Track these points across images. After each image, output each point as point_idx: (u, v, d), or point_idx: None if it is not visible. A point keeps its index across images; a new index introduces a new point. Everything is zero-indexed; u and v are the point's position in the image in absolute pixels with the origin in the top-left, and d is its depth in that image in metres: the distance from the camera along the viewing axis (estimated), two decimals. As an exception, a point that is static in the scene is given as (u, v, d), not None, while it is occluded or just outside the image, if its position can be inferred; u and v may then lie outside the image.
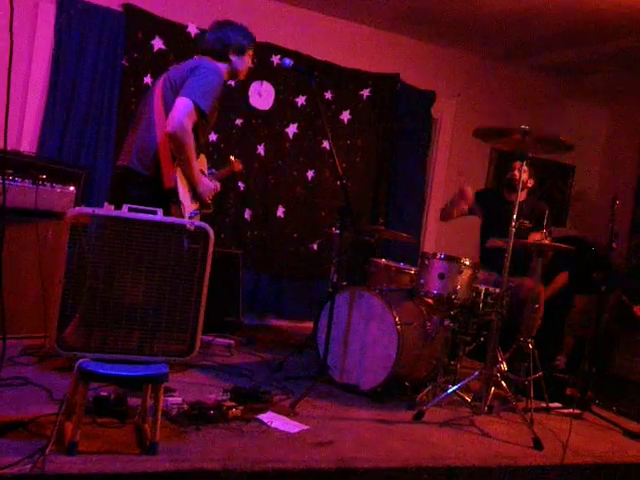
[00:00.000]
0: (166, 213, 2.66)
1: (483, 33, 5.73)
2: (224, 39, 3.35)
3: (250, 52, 3.45)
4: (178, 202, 3.13)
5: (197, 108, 3.08)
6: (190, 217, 3.24)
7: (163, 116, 3.13)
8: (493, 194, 4.85)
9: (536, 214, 4.32)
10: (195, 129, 3.16)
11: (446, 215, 4.77)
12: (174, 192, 3.12)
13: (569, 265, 4.99)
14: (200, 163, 3.43)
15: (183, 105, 3.05)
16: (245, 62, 3.43)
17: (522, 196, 4.39)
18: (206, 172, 3.56)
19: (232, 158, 4.26)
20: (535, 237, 4.22)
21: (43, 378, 3.20)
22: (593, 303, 5.33)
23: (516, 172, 4.57)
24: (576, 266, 5.19)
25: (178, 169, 3.15)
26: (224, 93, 5.21)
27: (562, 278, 5.16)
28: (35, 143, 4.81)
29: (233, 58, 3.37)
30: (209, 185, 3.36)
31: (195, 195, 3.31)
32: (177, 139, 3.04)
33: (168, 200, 3.10)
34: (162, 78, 3.30)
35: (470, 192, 4.56)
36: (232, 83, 5.32)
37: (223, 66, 3.35)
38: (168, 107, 3.11)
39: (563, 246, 4.04)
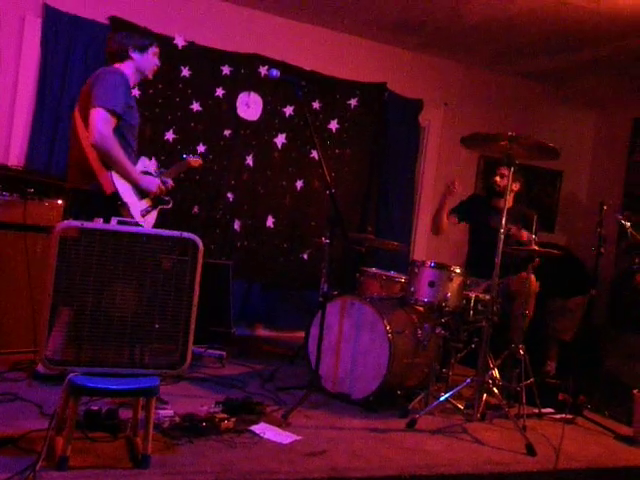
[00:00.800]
0: (116, 216, 2.72)
1: (468, 41, 5.77)
2: (122, 41, 3.53)
3: (154, 50, 3.61)
4: (123, 203, 3.27)
5: (109, 112, 3.25)
6: (142, 215, 3.41)
7: (84, 129, 3.30)
8: (480, 201, 4.87)
9: (525, 221, 4.33)
10: (121, 132, 3.34)
11: (437, 222, 4.75)
12: (116, 195, 3.27)
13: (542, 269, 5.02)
14: (148, 166, 3.59)
15: (96, 115, 3.24)
16: (149, 59, 3.58)
17: (509, 202, 4.41)
18: (152, 171, 3.65)
19: (187, 157, 4.29)
20: (524, 234, 4.25)
21: (33, 393, 3.18)
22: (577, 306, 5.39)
23: (497, 178, 4.60)
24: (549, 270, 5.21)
25: (114, 173, 3.28)
26: (213, 102, 5.28)
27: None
28: (23, 157, 4.79)
29: (135, 56, 3.52)
30: (152, 181, 3.49)
31: (142, 193, 3.45)
32: (101, 147, 3.24)
33: (114, 205, 3.25)
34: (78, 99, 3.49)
35: (458, 183, 4.52)
36: (220, 94, 5.34)
37: (127, 65, 3.51)
38: (86, 120, 3.30)
39: (553, 252, 4.07)
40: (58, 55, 4.83)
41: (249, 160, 5.51)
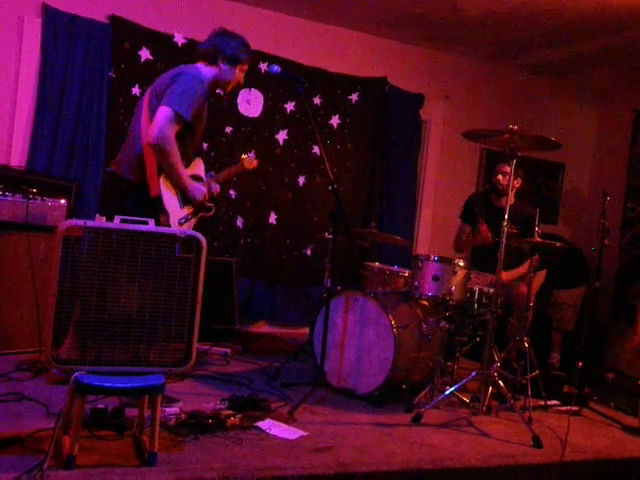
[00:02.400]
0: (154, 221, 2.67)
1: (469, 35, 5.75)
2: (219, 44, 3.35)
3: (244, 67, 3.43)
4: (164, 211, 3.15)
5: (178, 116, 3.09)
6: (180, 223, 3.27)
7: (148, 126, 3.14)
8: (483, 199, 4.82)
9: (526, 220, 4.29)
10: (182, 136, 3.18)
11: (461, 246, 4.87)
12: (159, 200, 3.15)
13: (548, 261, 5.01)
14: (196, 168, 3.46)
15: (163, 114, 3.07)
16: (235, 74, 3.40)
17: (510, 199, 4.39)
18: (203, 176, 3.54)
19: (243, 156, 4.15)
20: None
21: (39, 393, 3.18)
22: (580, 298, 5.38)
23: (499, 177, 4.58)
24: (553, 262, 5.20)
25: (163, 178, 3.17)
26: (214, 100, 5.28)
27: (541, 276, 5.19)
28: (25, 157, 4.79)
29: (223, 66, 3.35)
30: (199, 189, 3.36)
31: (186, 200, 3.32)
32: (159, 148, 3.07)
33: (155, 208, 3.13)
34: (150, 89, 3.32)
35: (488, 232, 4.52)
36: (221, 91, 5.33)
37: (211, 71, 3.35)
38: (153, 115, 3.14)
39: (556, 244, 4.06)
40: (58, 55, 4.82)
41: (251, 157, 5.49)
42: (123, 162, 3.26)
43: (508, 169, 4.16)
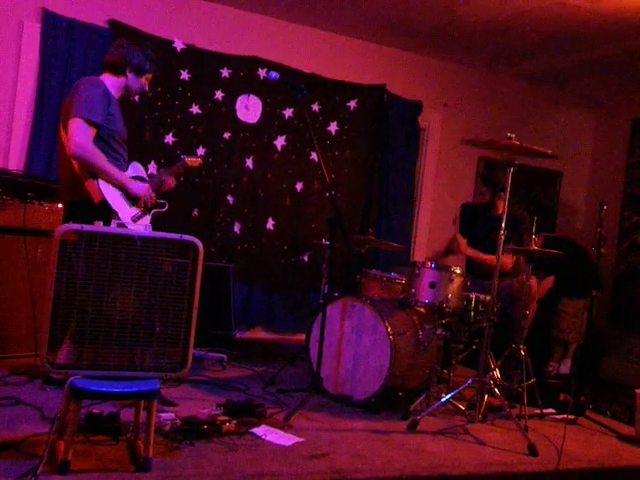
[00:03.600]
0: (106, 224, 2.71)
1: (467, 42, 5.77)
2: (127, 55, 3.51)
3: (149, 76, 3.61)
4: (113, 212, 3.28)
5: (88, 121, 3.25)
6: (133, 220, 3.39)
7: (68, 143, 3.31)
8: (471, 210, 4.80)
9: (514, 224, 4.28)
10: (104, 140, 3.34)
11: (439, 257, 4.88)
12: (105, 203, 3.28)
13: (556, 268, 5.00)
14: (136, 170, 3.58)
15: (74, 126, 3.25)
16: (140, 84, 3.59)
17: (500, 208, 4.40)
18: (145, 176, 3.64)
19: (185, 157, 4.24)
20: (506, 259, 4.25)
21: (34, 397, 3.17)
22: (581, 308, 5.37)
23: (480, 196, 4.64)
24: (563, 269, 5.21)
25: (102, 182, 3.29)
26: (212, 105, 5.27)
27: (548, 282, 5.19)
28: (23, 161, 4.79)
29: (130, 76, 3.53)
30: (140, 185, 3.46)
31: (133, 199, 3.44)
32: (80, 158, 3.25)
33: (104, 213, 3.22)
34: (60, 118, 3.50)
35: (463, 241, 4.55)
36: (219, 97, 5.34)
37: (118, 81, 3.51)
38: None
39: (552, 251, 4.06)
40: (57, 59, 4.83)
41: (249, 163, 5.51)
42: (65, 186, 3.44)
43: (484, 189, 4.52)
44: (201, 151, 5.30)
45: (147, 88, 3.68)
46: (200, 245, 2.60)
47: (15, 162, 4.78)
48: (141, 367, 2.55)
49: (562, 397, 4.33)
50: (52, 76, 4.82)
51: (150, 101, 5.10)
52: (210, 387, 3.85)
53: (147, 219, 3.54)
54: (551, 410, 4.11)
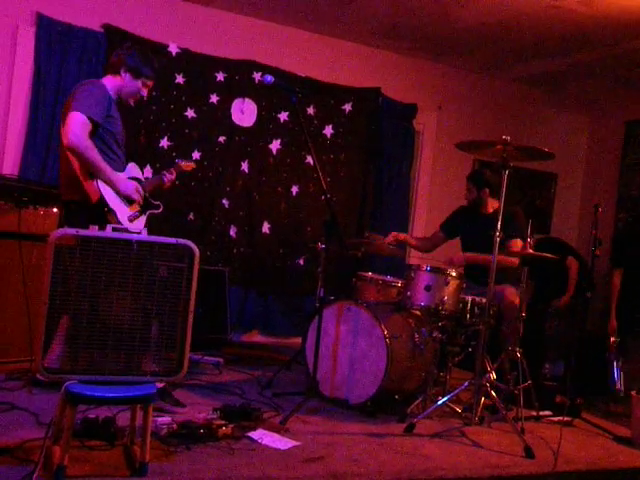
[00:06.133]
0: (104, 223, 2.72)
1: (461, 46, 5.79)
2: (123, 56, 3.52)
3: (147, 82, 3.58)
4: (110, 210, 3.28)
5: (86, 116, 3.26)
6: (130, 220, 3.41)
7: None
8: (466, 211, 4.80)
9: (506, 220, 4.28)
10: (100, 138, 3.35)
11: (418, 249, 5.07)
12: (103, 201, 3.28)
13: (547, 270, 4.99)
14: (132, 171, 3.59)
15: (71, 118, 3.26)
16: (136, 86, 3.55)
17: (495, 204, 4.42)
18: (141, 177, 3.64)
19: (179, 161, 4.24)
20: (517, 244, 4.22)
21: (30, 402, 3.16)
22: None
23: (466, 192, 4.65)
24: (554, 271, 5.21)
25: (100, 182, 3.29)
26: (207, 109, 5.26)
27: (574, 264, 5.20)
28: (17, 165, 4.78)
29: (125, 76, 3.51)
30: (129, 184, 3.44)
31: (127, 199, 3.44)
32: (74, 149, 3.24)
33: (102, 212, 3.26)
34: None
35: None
36: (214, 101, 5.34)
37: (115, 80, 3.52)
38: None
39: (548, 255, 4.06)
40: (52, 64, 4.82)
41: (244, 166, 5.51)
42: (64, 185, 3.45)
43: (469, 186, 4.57)
44: (196, 155, 5.30)
45: (145, 94, 3.64)
46: (196, 249, 2.60)
47: (9, 166, 4.77)
48: (137, 372, 2.55)
49: (558, 399, 4.34)
50: (47, 80, 4.82)
51: (145, 105, 5.09)
52: (206, 391, 3.85)
53: (143, 220, 3.56)
54: (547, 412, 4.11)
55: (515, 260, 4.22)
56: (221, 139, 5.42)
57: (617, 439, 3.82)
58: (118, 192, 3.38)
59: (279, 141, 5.62)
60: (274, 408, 3.59)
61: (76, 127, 3.23)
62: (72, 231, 2.48)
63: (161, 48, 5.13)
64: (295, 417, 3.42)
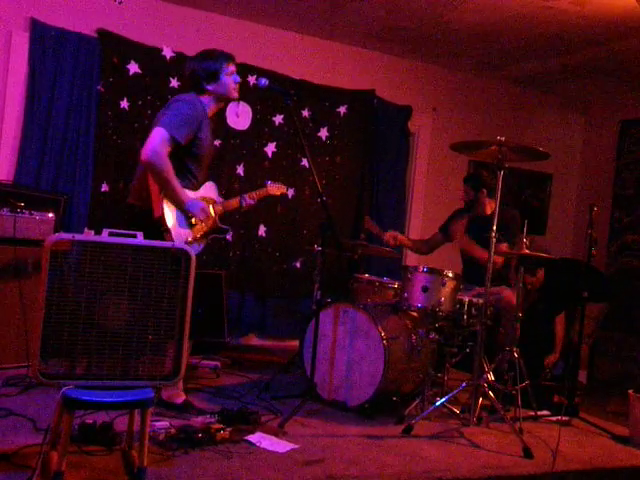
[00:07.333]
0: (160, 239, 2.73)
1: (455, 47, 5.80)
2: (194, 71, 3.44)
3: (228, 71, 3.45)
4: (167, 230, 3.21)
5: (170, 135, 3.19)
6: (188, 243, 3.27)
7: None
8: (465, 212, 4.81)
9: (503, 223, 4.29)
10: (180, 158, 3.27)
11: (415, 251, 5.10)
12: (162, 220, 3.21)
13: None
14: (207, 190, 3.53)
15: (154, 133, 3.20)
16: (226, 83, 3.44)
17: (492, 205, 4.41)
18: (215, 198, 3.59)
19: (268, 183, 4.14)
20: (502, 248, 4.23)
21: (27, 408, 3.15)
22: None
23: (462, 193, 4.66)
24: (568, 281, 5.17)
25: (165, 200, 3.23)
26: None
27: (561, 324, 5.18)
28: (12, 171, 4.76)
29: (209, 87, 3.42)
30: (196, 203, 3.34)
31: (189, 221, 3.33)
32: (150, 164, 3.17)
33: (159, 229, 3.20)
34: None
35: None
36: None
37: (204, 98, 3.43)
38: None
39: (542, 255, 4.07)
40: (46, 69, 4.81)
41: (240, 169, 5.51)
42: (134, 190, 3.40)
43: (466, 188, 4.60)
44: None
45: (238, 79, 3.48)
46: (192, 253, 2.60)
47: (4, 172, 4.75)
48: (134, 376, 2.54)
49: (556, 399, 4.34)
50: (41, 86, 4.80)
51: (140, 109, 5.08)
52: (204, 395, 3.84)
53: (202, 245, 3.45)
54: (545, 412, 4.11)
55: (498, 263, 4.27)
56: (216, 142, 5.41)
57: (615, 438, 3.83)
58: (184, 210, 3.29)
59: (274, 144, 5.62)
60: (272, 411, 3.58)
61: (156, 144, 3.16)
62: (68, 236, 2.47)
63: (155, 52, 5.13)
64: (293, 420, 3.41)
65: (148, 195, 3.25)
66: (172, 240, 3.16)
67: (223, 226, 3.59)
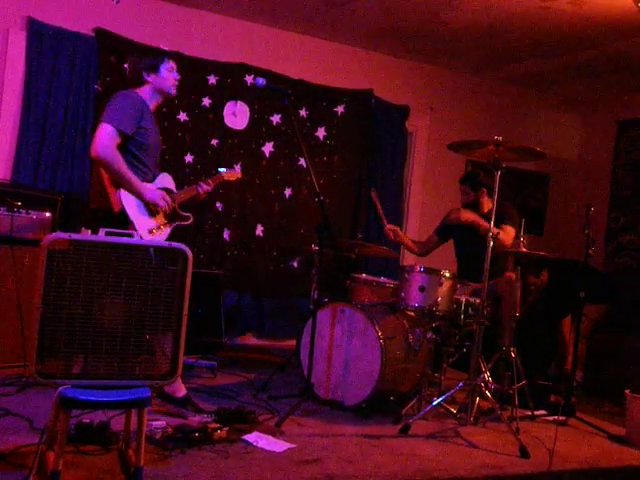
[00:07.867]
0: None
1: (453, 47, 5.81)
2: (135, 65, 3.52)
3: (168, 66, 3.53)
4: (130, 222, 3.24)
5: (114, 128, 3.24)
6: (151, 232, 3.34)
7: None
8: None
9: (503, 211, 4.28)
10: (130, 151, 3.32)
11: (413, 252, 5.03)
12: (124, 213, 3.25)
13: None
14: (164, 182, 3.54)
15: (100, 130, 3.25)
16: (165, 77, 3.51)
17: (489, 204, 4.42)
18: (172, 188, 3.59)
19: (223, 173, 4.17)
20: (507, 230, 4.21)
21: (23, 408, 3.15)
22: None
23: (461, 194, 4.65)
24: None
25: (123, 192, 3.27)
26: (199, 112, 5.24)
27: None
28: (10, 170, 4.77)
29: (149, 78, 3.48)
30: (154, 191, 3.39)
31: (152, 210, 3.38)
32: (101, 160, 3.23)
33: (123, 223, 3.22)
34: None
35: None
36: (206, 104, 5.34)
37: (144, 89, 3.48)
38: None
39: (538, 253, 4.07)
40: (43, 68, 4.81)
41: (237, 169, 5.50)
42: (93, 194, 3.44)
43: (465, 188, 4.58)
44: (189, 158, 5.31)
45: (177, 76, 3.57)
46: (189, 252, 2.60)
47: (2, 171, 4.75)
48: (131, 375, 2.54)
49: (553, 398, 4.35)
50: (38, 85, 4.81)
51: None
52: (201, 394, 3.83)
53: (167, 232, 3.49)
54: (542, 412, 4.12)
55: (508, 241, 4.20)
56: (214, 142, 5.42)
57: (612, 438, 3.83)
58: (143, 200, 3.33)
59: (272, 144, 5.63)
60: (269, 411, 3.58)
61: (103, 138, 3.21)
62: (65, 235, 2.47)
63: (152, 51, 5.11)
64: (290, 419, 3.41)
65: (106, 193, 3.28)
66: (135, 230, 3.20)
67: (184, 213, 3.61)
